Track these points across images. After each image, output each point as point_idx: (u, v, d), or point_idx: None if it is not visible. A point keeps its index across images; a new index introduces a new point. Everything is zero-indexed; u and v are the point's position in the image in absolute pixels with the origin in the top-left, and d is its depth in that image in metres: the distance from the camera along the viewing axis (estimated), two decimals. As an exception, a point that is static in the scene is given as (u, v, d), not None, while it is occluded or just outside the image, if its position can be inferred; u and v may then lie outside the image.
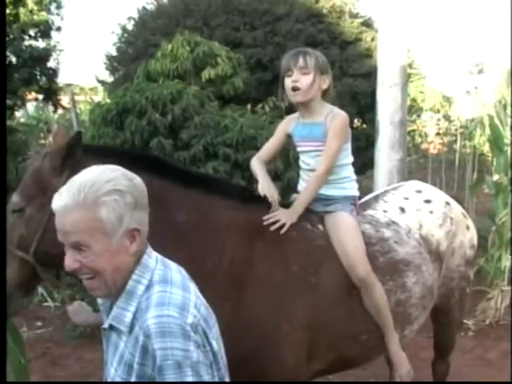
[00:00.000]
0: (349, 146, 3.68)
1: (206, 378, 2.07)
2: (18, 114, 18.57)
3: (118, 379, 2.16)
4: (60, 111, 19.30)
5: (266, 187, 3.55)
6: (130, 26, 14.37)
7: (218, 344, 2.23)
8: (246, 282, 3.28)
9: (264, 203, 3.52)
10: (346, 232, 3.54)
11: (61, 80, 17.68)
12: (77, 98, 19.47)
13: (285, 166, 7.19)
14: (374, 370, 5.35)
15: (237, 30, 12.54)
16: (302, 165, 3.77)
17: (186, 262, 2.64)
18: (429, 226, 4.05)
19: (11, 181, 11.28)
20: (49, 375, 5.83)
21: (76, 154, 3.02)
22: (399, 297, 3.74)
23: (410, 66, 13.03)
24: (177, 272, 2.25)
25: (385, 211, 4.01)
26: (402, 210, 4.05)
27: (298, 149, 3.73)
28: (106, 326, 2.24)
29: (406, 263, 3.80)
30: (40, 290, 7.66)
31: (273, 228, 3.40)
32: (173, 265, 2.29)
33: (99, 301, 2.40)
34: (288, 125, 3.74)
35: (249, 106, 8.77)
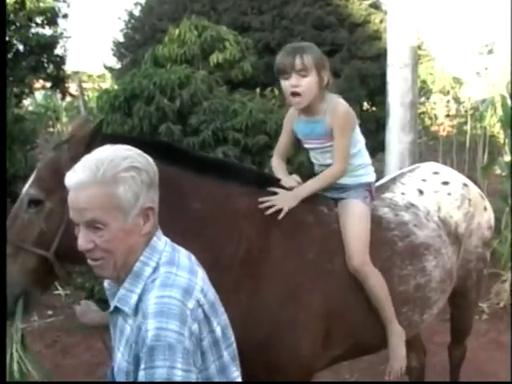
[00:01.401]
0: (357, 131, 3.57)
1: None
2: (26, 102, 18.52)
3: (123, 363, 2.11)
4: (68, 99, 19.26)
5: (285, 180, 3.51)
6: (136, 12, 14.31)
7: (224, 332, 2.17)
8: (263, 270, 3.22)
9: (281, 189, 3.44)
10: (351, 220, 3.45)
11: (68, 67, 17.63)
12: (85, 85, 19.48)
13: (295, 151, 7.12)
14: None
15: (244, 14, 12.47)
16: (312, 160, 3.71)
17: (202, 250, 2.59)
18: (447, 207, 3.99)
19: (20, 170, 11.25)
20: (59, 364, 5.81)
21: (97, 142, 2.86)
22: (419, 281, 3.68)
23: (420, 47, 12.95)
24: (185, 256, 2.20)
25: (403, 193, 3.94)
26: (420, 192, 3.98)
27: (305, 145, 3.65)
28: (111, 308, 2.19)
29: (426, 247, 3.74)
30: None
31: (268, 212, 3.26)
32: (182, 249, 2.24)
33: (106, 285, 2.35)
34: (291, 121, 3.64)
35: (258, 90, 8.67)
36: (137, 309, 2.07)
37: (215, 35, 9.07)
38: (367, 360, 3.84)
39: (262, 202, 3.29)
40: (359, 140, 3.60)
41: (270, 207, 3.28)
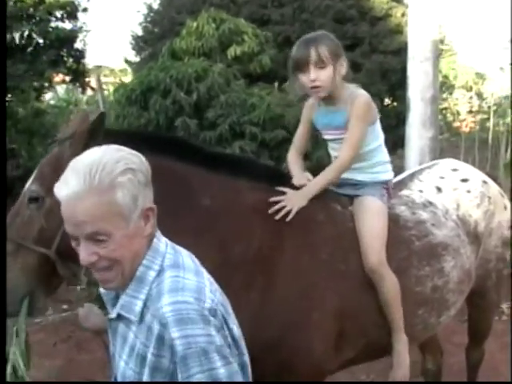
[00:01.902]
0: (377, 126, 3.48)
1: (232, 360, 1.94)
2: (47, 96, 18.57)
3: (129, 372, 2.01)
4: (90, 93, 19.29)
5: (298, 177, 3.42)
6: (155, 5, 14.30)
7: (238, 330, 2.10)
8: (274, 268, 3.13)
9: (293, 184, 3.36)
10: (367, 217, 3.35)
11: (90, 62, 17.63)
12: (106, 79, 19.52)
13: (313, 146, 7.02)
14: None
15: (264, 7, 12.42)
16: (330, 151, 3.62)
17: (213, 248, 2.50)
18: (466, 206, 3.87)
19: (39, 163, 11.26)
20: (73, 359, 5.78)
21: (99, 138, 2.80)
22: (436, 282, 3.57)
23: (442, 42, 12.80)
24: (188, 257, 2.10)
25: (421, 191, 3.83)
26: (439, 189, 3.87)
27: (324, 136, 3.56)
28: (113, 315, 2.08)
29: (444, 246, 3.63)
30: (66, 272, 7.59)
31: (277, 217, 3.17)
32: (183, 250, 2.13)
33: (101, 291, 2.21)
34: (310, 112, 3.55)
35: (276, 84, 8.59)
36: (142, 315, 1.98)
37: (233, 28, 9.02)
38: (384, 361, 3.73)
39: (273, 203, 3.20)
40: (379, 136, 3.52)
41: (279, 210, 3.19)
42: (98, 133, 2.81)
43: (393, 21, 12.75)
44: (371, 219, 3.36)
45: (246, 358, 2.13)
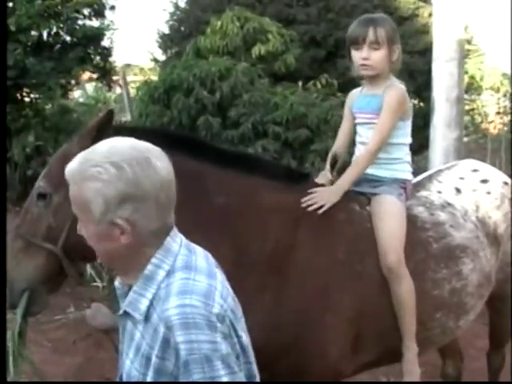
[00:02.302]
0: (407, 124, 3.49)
1: (237, 370, 1.90)
2: (76, 94, 18.69)
3: (134, 372, 1.98)
4: (118, 91, 19.37)
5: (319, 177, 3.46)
6: (182, 3, 14.34)
7: (246, 338, 2.05)
8: (289, 268, 3.10)
9: (311, 183, 3.36)
10: (386, 216, 3.32)
11: (119, 61, 17.69)
12: (136, 78, 19.59)
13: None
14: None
15: (290, 7, 12.38)
16: (356, 137, 3.59)
17: (228, 247, 2.48)
18: (486, 207, 3.81)
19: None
20: (92, 357, 5.76)
21: (106, 134, 2.72)
22: (454, 285, 3.52)
23: (469, 42, 12.68)
24: (202, 258, 2.05)
25: (439, 192, 3.78)
26: (458, 190, 3.82)
27: (356, 121, 3.56)
28: (120, 311, 2.06)
29: (463, 249, 3.58)
30: (89, 270, 7.58)
31: (310, 209, 3.19)
32: (199, 250, 2.09)
33: (117, 284, 2.19)
34: (351, 99, 3.60)
35: (300, 83, 8.56)
36: (148, 315, 1.95)
37: (258, 27, 9.00)
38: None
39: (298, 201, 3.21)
40: (407, 135, 3.52)
41: (311, 205, 3.21)
42: (106, 130, 2.80)
43: (419, 21, 12.66)
44: (389, 219, 3.32)
45: (254, 367, 2.08)
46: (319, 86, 8.39)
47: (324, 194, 3.24)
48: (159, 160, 1.94)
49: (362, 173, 3.39)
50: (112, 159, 1.90)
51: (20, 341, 2.91)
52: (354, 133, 3.64)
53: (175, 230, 2.06)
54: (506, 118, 15.20)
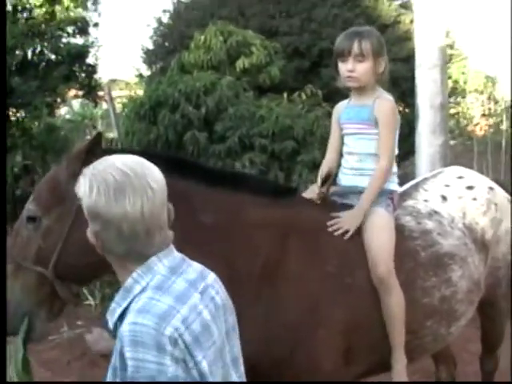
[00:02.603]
0: (397, 134, 3.53)
1: None
2: (62, 111, 18.66)
3: (107, 380, 2.03)
4: (105, 106, 19.37)
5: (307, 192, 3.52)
6: (165, 19, 14.34)
7: (211, 366, 2.02)
8: (281, 283, 3.13)
9: (298, 198, 3.42)
10: (375, 228, 3.35)
11: (105, 76, 17.71)
12: (122, 93, 19.57)
13: (323, 155, 7.00)
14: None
15: (272, 18, 12.41)
16: (344, 148, 3.61)
17: (218, 264, 2.49)
18: (472, 213, 3.85)
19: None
20: (87, 376, 5.74)
21: (96, 157, 2.80)
22: (444, 293, 3.54)
23: (452, 47, 12.74)
24: (183, 281, 2.06)
25: (426, 200, 3.81)
26: (444, 198, 3.85)
27: (343, 131, 3.59)
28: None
29: (451, 256, 3.61)
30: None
31: (336, 233, 3.29)
32: (191, 270, 2.11)
33: None
34: (337, 111, 3.63)
35: (285, 95, 8.59)
36: (117, 326, 2.01)
37: (241, 40, 9.03)
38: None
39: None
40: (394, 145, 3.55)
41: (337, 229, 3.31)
42: (95, 152, 2.79)
43: (401, 28, 12.71)
44: (378, 231, 3.35)
45: None
46: (304, 96, 8.41)
47: (347, 219, 3.32)
48: (136, 195, 1.97)
49: (377, 194, 3.41)
50: (90, 177, 2.01)
51: (24, 367, 2.90)
52: (341, 146, 3.66)
53: (168, 252, 2.09)
54: (492, 120, 15.27)
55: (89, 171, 2.02)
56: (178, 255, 2.12)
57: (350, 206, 3.45)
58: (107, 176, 1.98)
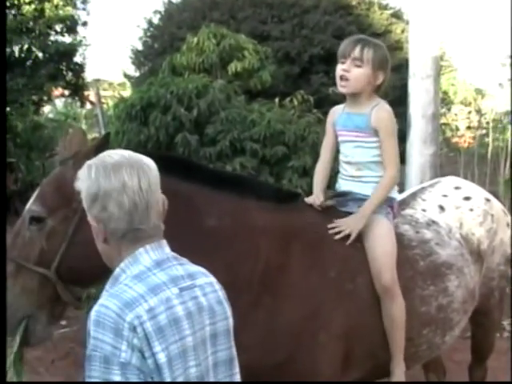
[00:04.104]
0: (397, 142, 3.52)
1: (134, 381, 1.94)
2: (46, 110, 18.59)
3: None
4: (88, 106, 19.32)
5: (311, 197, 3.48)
6: (155, 20, 14.32)
7: (172, 360, 2.01)
8: (282, 288, 3.12)
9: (300, 203, 3.40)
10: (377, 236, 3.35)
11: (89, 75, 17.65)
12: (105, 93, 19.53)
13: (313, 161, 7.00)
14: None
15: (264, 23, 12.44)
16: (340, 157, 3.60)
17: (220, 268, 2.48)
18: (469, 224, 3.87)
19: (37, 177, 11.20)
20: (71, 376, 5.69)
21: None
22: (441, 302, 3.56)
23: (442, 58, 12.78)
24: (164, 275, 2.10)
25: (424, 210, 3.83)
26: (442, 208, 3.87)
27: (339, 138, 3.57)
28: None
29: (448, 266, 3.63)
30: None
31: (337, 237, 3.28)
32: (176, 270, 2.14)
33: None
34: (333, 116, 3.61)
35: (277, 100, 8.58)
36: None
37: (234, 44, 9.01)
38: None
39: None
40: None
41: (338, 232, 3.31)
42: (102, 152, 2.77)
43: (392, 37, 12.79)
44: (380, 239, 3.35)
45: None
46: (295, 102, 8.40)
47: (349, 222, 3.32)
48: (133, 169, 2.09)
49: (382, 202, 3.41)
50: (89, 164, 2.14)
51: (19, 367, 2.87)
52: (336, 148, 3.66)
53: (158, 246, 2.15)
54: (477, 133, 15.33)
55: (87, 163, 2.15)
56: (168, 252, 2.18)
57: (350, 214, 3.44)
58: (104, 158, 2.14)
